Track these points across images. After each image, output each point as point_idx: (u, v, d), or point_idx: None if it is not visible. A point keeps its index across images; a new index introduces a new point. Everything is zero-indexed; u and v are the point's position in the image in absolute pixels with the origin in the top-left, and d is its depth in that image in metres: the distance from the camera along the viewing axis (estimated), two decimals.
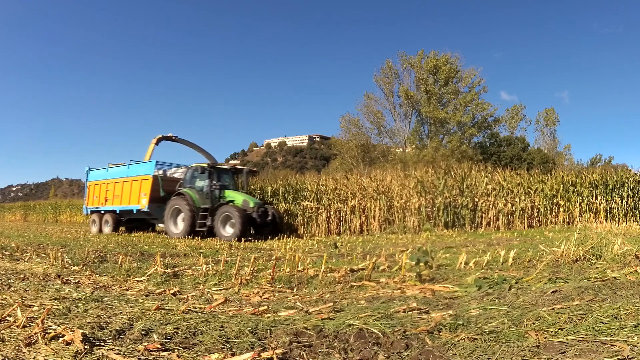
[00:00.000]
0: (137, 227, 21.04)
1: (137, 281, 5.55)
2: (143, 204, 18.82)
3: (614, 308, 3.15)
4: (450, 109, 38.80)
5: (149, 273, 5.96)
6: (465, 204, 19.42)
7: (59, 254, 7.43)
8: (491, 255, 6.81)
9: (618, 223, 17.43)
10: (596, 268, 5.64)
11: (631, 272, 5.14)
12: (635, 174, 19.17)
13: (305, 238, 13.42)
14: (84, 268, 6.58)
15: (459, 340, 2.77)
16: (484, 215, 19.55)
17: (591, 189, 19.01)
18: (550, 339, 2.67)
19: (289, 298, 4.48)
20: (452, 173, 21.26)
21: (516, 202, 19.48)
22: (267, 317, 3.46)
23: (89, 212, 22.50)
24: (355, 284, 5.11)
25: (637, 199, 18.27)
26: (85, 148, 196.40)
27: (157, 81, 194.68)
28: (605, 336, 2.68)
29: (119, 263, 6.68)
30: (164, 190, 18.74)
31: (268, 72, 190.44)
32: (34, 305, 3.57)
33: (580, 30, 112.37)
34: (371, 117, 42.89)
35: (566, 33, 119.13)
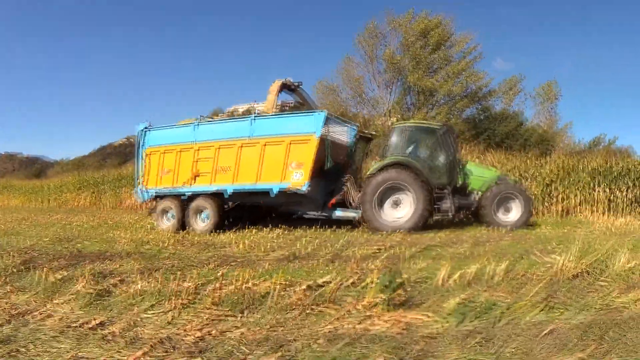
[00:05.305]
0: (238, 218, 15.46)
1: (62, 302, 5.16)
2: (297, 181, 13.20)
3: None
4: (440, 77, 38.44)
5: (75, 290, 5.52)
6: None
7: None
8: (478, 264, 6.50)
9: (617, 217, 17.35)
10: (599, 287, 5.40)
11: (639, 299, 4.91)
12: None
13: (265, 230, 12.96)
14: (5, 281, 6.21)
15: None
16: None
17: (592, 177, 18.86)
18: None
19: (233, 333, 4.09)
20: None
21: None
22: None
23: (148, 198, 16.07)
24: (314, 308, 4.74)
25: None
26: (29, 115, 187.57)
27: (93, 33, 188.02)
28: None
29: (44, 276, 6.23)
30: (331, 160, 13.77)
31: (232, 24, 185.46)
32: None
33: None
34: (350, 83, 42.30)
35: None
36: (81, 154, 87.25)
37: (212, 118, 15.58)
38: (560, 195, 19.05)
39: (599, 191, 18.66)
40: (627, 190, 18.35)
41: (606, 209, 18.35)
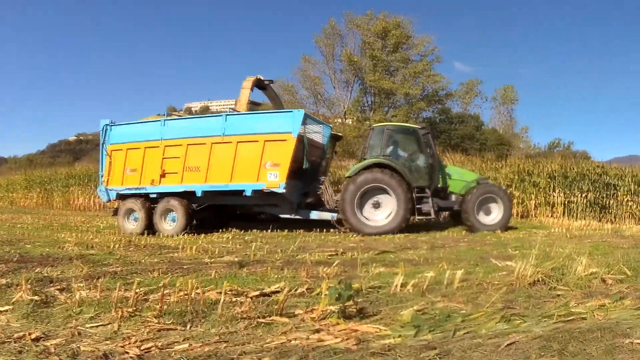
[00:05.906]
0: (202, 220, 15.01)
1: (2, 311, 4.86)
2: (272, 182, 13.10)
3: None
4: (398, 78, 38.61)
5: (16, 298, 5.19)
6: None
7: None
8: (434, 271, 6.39)
9: (574, 219, 17.63)
10: (557, 295, 5.32)
11: (599, 307, 4.83)
12: (598, 165, 19.50)
13: (217, 233, 12.70)
14: None
15: None
16: None
17: (549, 180, 19.17)
18: None
19: (176, 347, 3.85)
20: None
21: None
22: None
23: (112, 198, 15.45)
24: (263, 320, 4.53)
25: (598, 193, 18.57)
26: None
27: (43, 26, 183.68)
28: None
29: None
30: (308, 161, 13.72)
31: (189, 23, 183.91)
32: None
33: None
34: (307, 82, 42.22)
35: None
36: (34, 150, 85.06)
37: (177, 115, 15.07)
38: (516, 199, 19.30)
39: (555, 195, 18.96)
40: (587, 193, 18.69)
41: (565, 212, 18.67)
